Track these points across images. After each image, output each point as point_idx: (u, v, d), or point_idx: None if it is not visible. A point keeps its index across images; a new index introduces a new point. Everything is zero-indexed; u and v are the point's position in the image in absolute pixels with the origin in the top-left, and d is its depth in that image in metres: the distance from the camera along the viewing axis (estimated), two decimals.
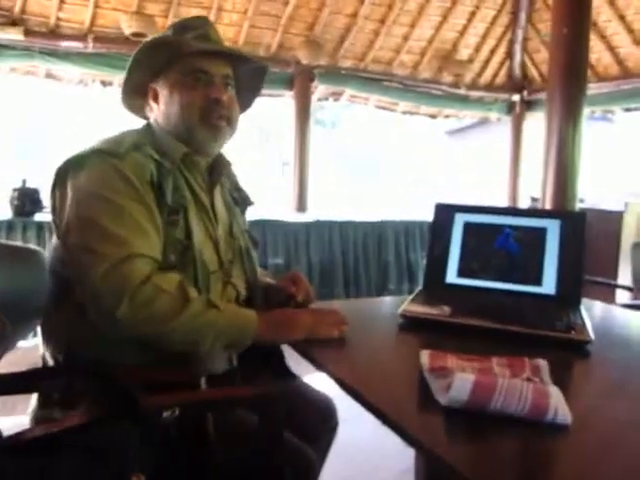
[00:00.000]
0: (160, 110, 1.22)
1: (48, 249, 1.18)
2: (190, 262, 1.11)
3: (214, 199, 1.25)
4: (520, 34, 6.10)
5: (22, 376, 0.89)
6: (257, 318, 1.06)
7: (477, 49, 6.15)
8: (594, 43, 5.00)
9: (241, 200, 1.39)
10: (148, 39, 1.22)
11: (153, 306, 0.98)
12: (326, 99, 6.09)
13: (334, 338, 1.09)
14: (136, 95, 1.27)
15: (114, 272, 0.98)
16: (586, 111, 3.91)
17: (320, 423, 1.32)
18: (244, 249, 1.30)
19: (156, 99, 1.23)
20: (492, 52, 6.24)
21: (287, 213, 4.91)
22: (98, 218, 1.02)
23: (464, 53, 6.09)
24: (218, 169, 1.28)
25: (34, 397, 1.09)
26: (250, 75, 1.33)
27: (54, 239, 1.15)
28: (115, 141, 1.13)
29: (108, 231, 1.01)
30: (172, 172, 1.14)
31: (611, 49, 5.46)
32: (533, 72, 6.31)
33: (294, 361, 1.15)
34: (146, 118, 1.29)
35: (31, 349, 1.26)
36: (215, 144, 1.24)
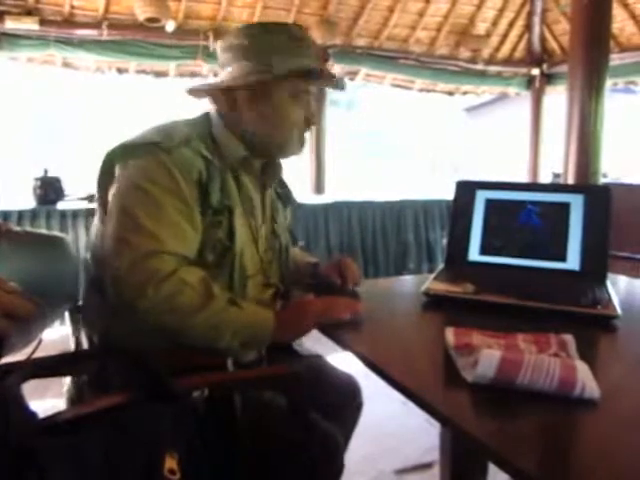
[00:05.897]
0: (244, 111, 1.18)
1: (72, 236, 1.19)
2: (228, 263, 1.12)
3: (265, 199, 1.27)
4: (539, 6, 5.95)
5: (57, 359, 0.91)
6: (274, 319, 1.06)
7: (494, 23, 6.02)
8: (616, 12, 4.85)
9: (285, 197, 1.40)
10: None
11: (176, 300, 0.99)
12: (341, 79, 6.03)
13: (346, 320, 1.07)
14: None
15: (141, 264, 0.99)
16: (608, 83, 3.82)
17: (345, 403, 1.33)
18: (284, 247, 1.32)
19: (234, 99, 1.18)
20: (510, 25, 6.10)
21: (305, 195, 4.90)
22: (135, 209, 1.03)
23: (481, 27, 5.97)
24: (272, 170, 1.29)
25: (68, 379, 1.12)
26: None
27: (96, 224, 1.16)
28: (167, 132, 1.12)
29: (142, 224, 1.02)
30: (221, 171, 1.14)
31: (634, 17, 5.30)
32: (553, 44, 6.16)
33: (317, 341, 1.16)
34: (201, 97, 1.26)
35: (57, 339, 1.29)
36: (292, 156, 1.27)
